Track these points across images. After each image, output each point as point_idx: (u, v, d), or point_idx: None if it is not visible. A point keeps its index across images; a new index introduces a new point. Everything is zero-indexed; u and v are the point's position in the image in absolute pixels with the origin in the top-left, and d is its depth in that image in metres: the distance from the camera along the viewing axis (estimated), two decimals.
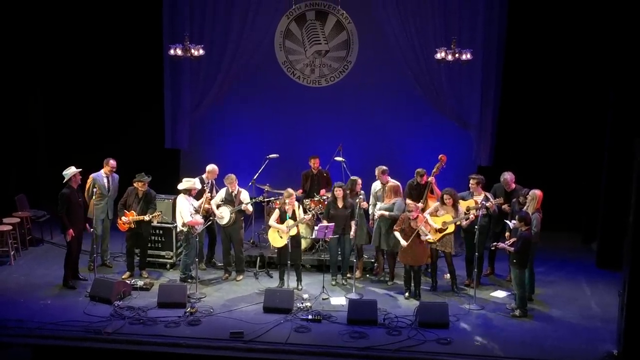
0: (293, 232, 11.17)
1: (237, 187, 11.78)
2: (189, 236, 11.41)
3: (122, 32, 14.84)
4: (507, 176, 11.85)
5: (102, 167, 12.16)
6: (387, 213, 11.39)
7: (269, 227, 11.49)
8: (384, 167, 12.06)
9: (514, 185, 11.82)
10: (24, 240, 13.13)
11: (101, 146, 14.65)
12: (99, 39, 14.97)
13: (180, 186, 11.60)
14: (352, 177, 12.07)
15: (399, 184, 11.93)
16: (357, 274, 11.89)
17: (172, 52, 12.56)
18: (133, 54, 14.89)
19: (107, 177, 12.12)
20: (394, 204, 11.53)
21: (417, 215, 10.87)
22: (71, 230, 11.28)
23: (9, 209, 13.45)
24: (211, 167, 12.34)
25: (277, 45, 15.26)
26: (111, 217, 12.21)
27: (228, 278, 11.89)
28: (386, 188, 11.77)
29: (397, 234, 11.00)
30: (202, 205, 11.58)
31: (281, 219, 11.27)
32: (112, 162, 12.14)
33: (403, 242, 10.91)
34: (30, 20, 14.69)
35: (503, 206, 11.53)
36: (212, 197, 11.86)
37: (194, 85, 14.84)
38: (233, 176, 11.75)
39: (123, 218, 11.56)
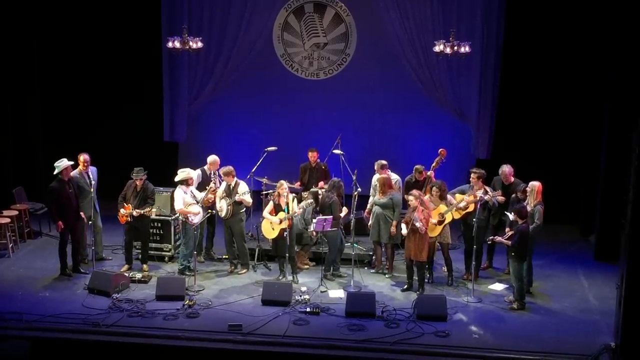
0: (284, 224, 11.13)
1: (235, 179, 11.76)
2: (187, 227, 11.41)
3: (120, 24, 14.81)
4: (506, 169, 11.82)
5: (98, 161, 12.11)
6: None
7: (263, 218, 11.50)
8: (384, 162, 12.05)
9: (512, 179, 11.79)
10: (22, 232, 13.13)
11: (99, 139, 14.65)
12: (97, 31, 14.94)
13: (176, 178, 11.59)
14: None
15: (388, 176, 11.89)
16: (303, 265, 11.93)
17: (170, 44, 12.53)
18: (131, 46, 14.87)
19: (86, 173, 11.99)
20: (391, 198, 11.51)
21: (417, 204, 10.84)
22: (60, 222, 11.31)
23: (7, 201, 13.45)
24: (212, 158, 12.33)
25: (276, 38, 15.24)
26: (98, 210, 12.11)
27: (233, 271, 11.88)
28: (378, 182, 11.74)
29: (403, 225, 10.99)
30: (206, 195, 11.57)
31: (276, 211, 11.26)
32: (85, 157, 11.98)
33: (404, 231, 10.89)
34: (28, 13, 14.64)
35: (499, 198, 11.50)
36: (216, 188, 11.86)
37: (192, 78, 14.81)
38: (227, 169, 11.70)
39: (122, 210, 11.55)
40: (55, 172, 11.38)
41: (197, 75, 14.80)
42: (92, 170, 12.20)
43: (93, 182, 11.83)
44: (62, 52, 15.14)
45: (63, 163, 11.39)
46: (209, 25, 14.51)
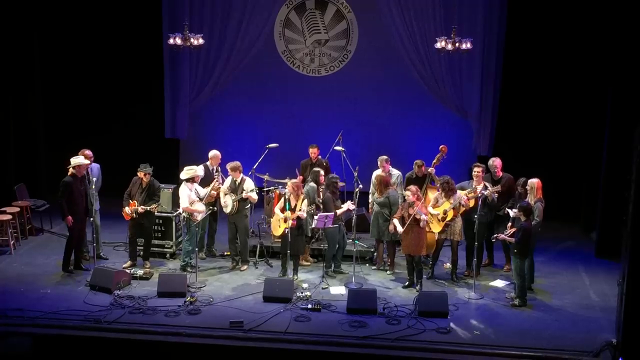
0: (288, 224, 11.10)
1: (242, 175, 11.76)
2: (190, 223, 11.41)
3: (122, 21, 14.81)
4: (497, 162, 11.74)
5: (100, 158, 12.08)
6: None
7: (274, 213, 11.47)
8: (386, 157, 12.08)
9: (501, 173, 11.77)
10: (23, 229, 13.12)
11: (100, 136, 14.64)
12: (99, 28, 14.93)
13: (182, 175, 11.56)
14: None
15: (386, 174, 11.86)
16: (304, 261, 11.96)
17: (171, 41, 12.52)
18: (132, 43, 14.86)
19: (86, 169, 11.92)
20: (387, 197, 11.51)
21: (414, 200, 10.83)
22: (70, 217, 11.31)
23: (9, 198, 13.44)
24: (213, 153, 12.33)
25: (277, 35, 15.23)
26: (98, 207, 12.04)
27: (234, 267, 11.88)
28: (375, 180, 11.74)
29: (396, 221, 10.99)
30: (209, 192, 11.56)
31: (284, 208, 11.24)
32: (87, 152, 11.86)
33: (399, 228, 10.90)
34: (28, 10, 14.63)
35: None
36: (220, 185, 11.85)
37: (194, 75, 14.82)
38: (234, 164, 11.70)
39: (126, 209, 11.55)
40: (70, 166, 11.36)
41: (198, 72, 14.80)
42: (94, 167, 12.18)
43: (93, 179, 11.80)
44: (63, 48, 15.12)
45: (79, 160, 11.40)
46: (210, 22, 14.52)
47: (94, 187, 11.68)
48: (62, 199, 11.30)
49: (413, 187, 11.03)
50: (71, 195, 11.31)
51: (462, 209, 11.27)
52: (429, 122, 14.98)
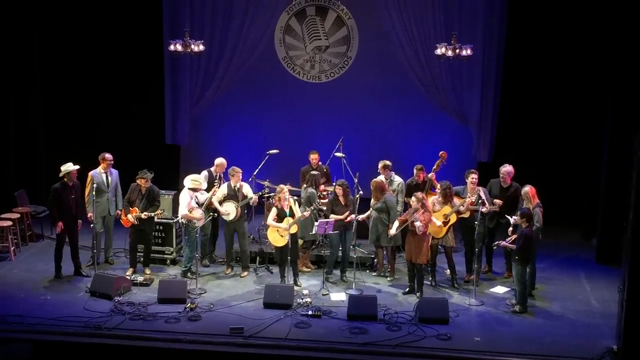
0: (293, 229, 11.12)
1: (240, 181, 11.78)
2: (189, 229, 11.40)
3: (123, 27, 14.83)
4: (507, 169, 11.67)
5: (99, 164, 12.12)
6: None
7: (268, 226, 11.39)
8: (387, 163, 12.06)
9: (510, 182, 11.74)
10: (24, 235, 13.13)
11: (101, 141, 14.63)
12: (99, 34, 14.95)
13: (186, 183, 11.55)
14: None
15: (382, 180, 11.84)
16: (304, 268, 11.96)
17: (172, 47, 12.53)
18: (133, 49, 14.88)
19: (105, 173, 12.02)
20: (384, 202, 11.50)
21: (418, 207, 10.83)
22: (61, 223, 11.34)
23: (9, 204, 13.45)
24: (220, 161, 12.36)
25: (277, 41, 15.25)
26: (113, 213, 12.16)
27: (230, 273, 11.87)
28: (371, 186, 11.73)
29: (397, 222, 10.99)
30: (209, 199, 11.57)
31: (279, 217, 11.23)
32: (108, 156, 12.00)
33: (393, 230, 10.92)
34: (31, 14, 14.66)
35: (496, 201, 11.46)
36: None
37: (194, 81, 14.83)
38: (237, 169, 11.73)
39: (129, 216, 11.55)
40: (60, 175, 11.38)
41: (198, 78, 14.82)
42: (113, 172, 12.18)
43: (111, 181, 11.89)
44: (63, 54, 15.14)
45: (68, 167, 11.41)
46: (210, 28, 14.53)
47: (93, 192, 11.67)
48: (53, 204, 11.42)
49: (419, 194, 11.00)
50: (60, 202, 11.35)
51: (459, 215, 11.28)
52: (429, 129, 14.97)
